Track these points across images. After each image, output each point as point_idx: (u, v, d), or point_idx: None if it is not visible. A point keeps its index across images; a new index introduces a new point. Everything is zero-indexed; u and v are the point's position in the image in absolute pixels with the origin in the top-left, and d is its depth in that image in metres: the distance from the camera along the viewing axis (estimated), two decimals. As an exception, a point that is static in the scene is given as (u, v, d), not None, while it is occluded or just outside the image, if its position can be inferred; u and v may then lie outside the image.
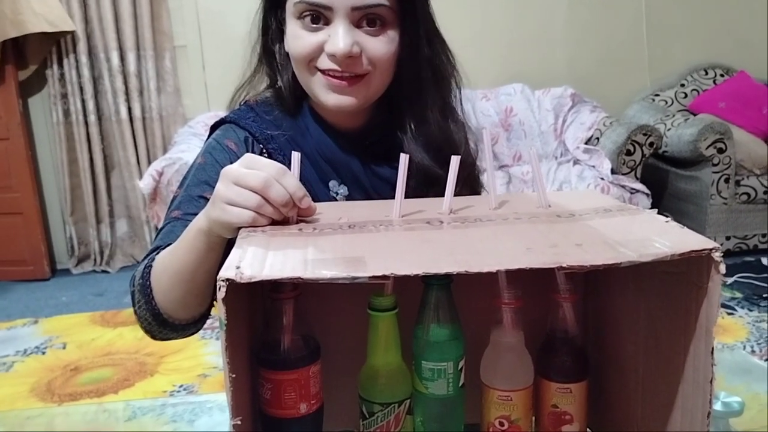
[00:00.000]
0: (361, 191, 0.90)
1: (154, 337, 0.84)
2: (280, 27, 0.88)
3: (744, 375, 0.97)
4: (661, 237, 0.54)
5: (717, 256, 0.50)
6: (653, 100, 3.68)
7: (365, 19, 0.80)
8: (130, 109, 3.37)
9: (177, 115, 3.45)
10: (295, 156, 0.67)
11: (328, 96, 0.83)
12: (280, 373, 0.61)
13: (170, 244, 0.79)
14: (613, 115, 3.37)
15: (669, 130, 3.26)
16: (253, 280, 0.48)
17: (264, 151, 0.89)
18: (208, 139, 0.93)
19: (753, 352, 2.26)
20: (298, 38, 0.82)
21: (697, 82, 3.71)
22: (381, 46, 0.82)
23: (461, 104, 0.94)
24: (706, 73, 3.74)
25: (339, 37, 0.78)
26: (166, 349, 2.47)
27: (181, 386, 2.18)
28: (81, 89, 3.32)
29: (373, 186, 0.90)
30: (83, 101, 3.33)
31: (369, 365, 0.65)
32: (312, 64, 0.82)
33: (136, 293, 0.81)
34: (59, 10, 3.14)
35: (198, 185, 0.86)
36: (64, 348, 2.55)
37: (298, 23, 0.82)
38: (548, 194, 0.69)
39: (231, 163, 0.84)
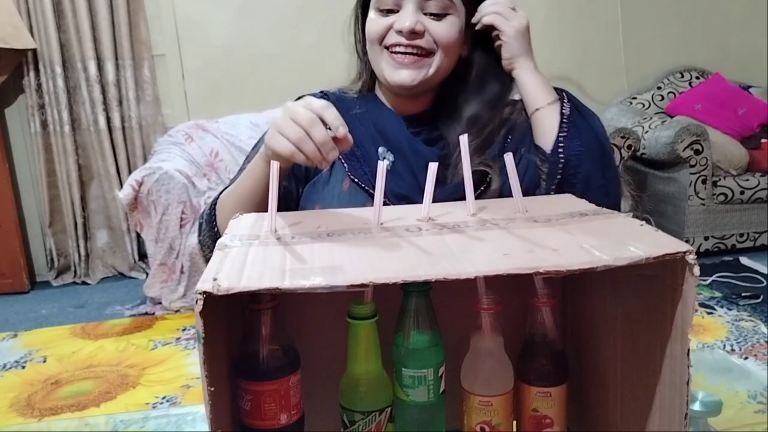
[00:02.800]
0: (405, 163, 0.98)
1: None
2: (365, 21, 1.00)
3: (724, 374, 0.98)
4: (636, 241, 0.54)
5: (691, 258, 0.50)
6: (631, 103, 3.72)
7: (431, 8, 0.93)
8: (108, 119, 3.34)
9: (156, 124, 3.43)
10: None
11: (392, 72, 0.94)
12: (259, 384, 0.60)
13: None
14: (591, 118, 3.40)
15: (647, 132, 3.30)
16: (230, 292, 0.47)
17: None
18: None
19: (732, 350, 2.29)
20: (374, 21, 0.95)
21: (673, 85, 3.76)
22: (443, 28, 0.93)
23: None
24: (682, 76, 3.79)
25: (406, 14, 0.92)
26: (148, 360, 2.45)
27: (164, 398, 2.16)
28: (58, 99, 3.28)
29: (416, 162, 0.97)
30: (60, 111, 3.30)
31: (349, 374, 0.65)
32: (382, 44, 0.95)
33: (203, 224, 0.97)
34: (13, 28, 3.07)
35: None
36: (44, 362, 2.51)
37: (377, 12, 0.95)
38: (525, 199, 0.70)
39: None
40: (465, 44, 0.99)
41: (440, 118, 1.00)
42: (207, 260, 0.86)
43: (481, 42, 1.00)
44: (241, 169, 1.00)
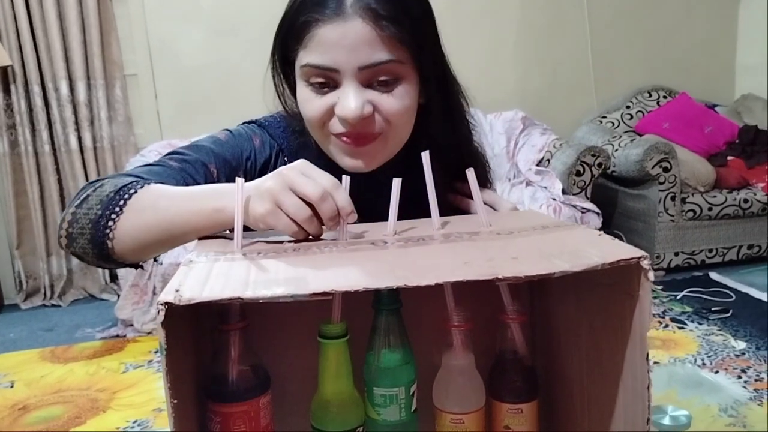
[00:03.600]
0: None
1: (79, 257, 0.75)
2: (292, 85, 0.86)
3: (695, 388, 1.00)
4: (593, 248, 0.55)
5: (645, 264, 0.51)
6: (601, 122, 3.79)
7: (375, 78, 0.77)
8: (80, 139, 3.30)
9: (129, 144, 3.40)
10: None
11: (344, 159, 0.82)
12: (228, 406, 0.60)
13: (161, 183, 0.75)
14: (562, 137, 3.46)
15: (616, 150, 3.35)
16: (192, 302, 0.47)
17: (286, 161, 0.88)
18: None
19: (704, 364, 2.32)
20: (308, 101, 0.80)
21: (641, 104, 3.84)
22: (394, 102, 0.78)
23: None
24: (650, 95, 3.87)
25: (349, 99, 0.76)
26: (119, 384, 2.40)
27: (135, 422, 2.11)
28: (31, 119, 3.24)
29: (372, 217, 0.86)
30: (31, 131, 3.26)
31: (320, 393, 0.65)
32: (326, 129, 0.81)
33: (91, 199, 0.72)
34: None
35: (208, 154, 0.85)
36: (11, 387, 2.45)
37: (308, 87, 0.80)
38: (489, 214, 0.71)
39: (249, 156, 0.86)
40: (421, 95, 0.84)
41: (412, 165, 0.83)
42: (77, 255, 0.74)
43: (436, 82, 0.85)
44: (173, 151, 0.85)
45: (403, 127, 0.82)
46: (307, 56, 0.78)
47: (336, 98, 0.78)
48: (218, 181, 0.84)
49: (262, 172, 0.88)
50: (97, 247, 0.72)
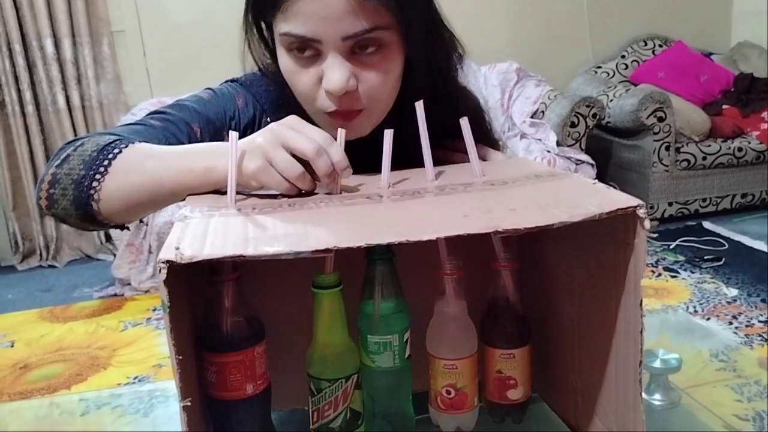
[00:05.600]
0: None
1: (61, 218, 0.74)
2: (269, 44, 0.83)
3: (687, 334, 1.01)
4: (590, 198, 0.55)
5: (641, 212, 0.52)
6: (596, 72, 3.76)
7: (358, 46, 0.74)
8: (68, 98, 3.26)
9: (119, 102, 3.36)
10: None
11: (333, 130, 0.77)
12: (223, 356, 0.60)
13: (145, 142, 0.73)
14: (557, 88, 3.43)
15: (611, 101, 3.33)
16: (194, 260, 0.47)
17: (269, 122, 0.85)
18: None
19: (696, 312, 2.36)
20: (294, 74, 0.77)
21: (636, 54, 3.80)
22: (377, 78, 0.76)
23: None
24: (646, 44, 3.83)
25: (334, 73, 0.73)
26: (119, 341, 2.43)
27: (135, 378, 2.15)
28: (16, 79, 3.19)
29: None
30: (19, 91, 3.21)
31: (315, 343, 0.65)
32: (316, 104, 0.78)
33: (72, 159, 0.70)
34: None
35: (191, 113, 0.83)
36: (12, 346, 2.48)
37: (289, 55, 0.77)
38: (482, 164, 0.70)
39: (233, 116, 0.84)
40: (407, 51, 0.80)
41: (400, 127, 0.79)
42: (59, 218, 0.73)
43: (425, 39, 0.81)
44: (156, 111, 0.82)
45: (387, 98, 0.80)
46: (287, 25, 0.73)
47: (321, 71, 0.75)
48: (202, 141, 0.82)
49: (245, 132, 0.85)
50: (80, 208, 0.71)
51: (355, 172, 0.77)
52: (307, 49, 0.74)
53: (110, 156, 0.70)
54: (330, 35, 0.72)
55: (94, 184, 0.69)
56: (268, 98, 0.88)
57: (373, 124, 0.82)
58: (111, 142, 0.72)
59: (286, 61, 0.78)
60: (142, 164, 0.70)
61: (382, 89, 0.77)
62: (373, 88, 0.76)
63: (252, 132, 0.70)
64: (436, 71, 0.84)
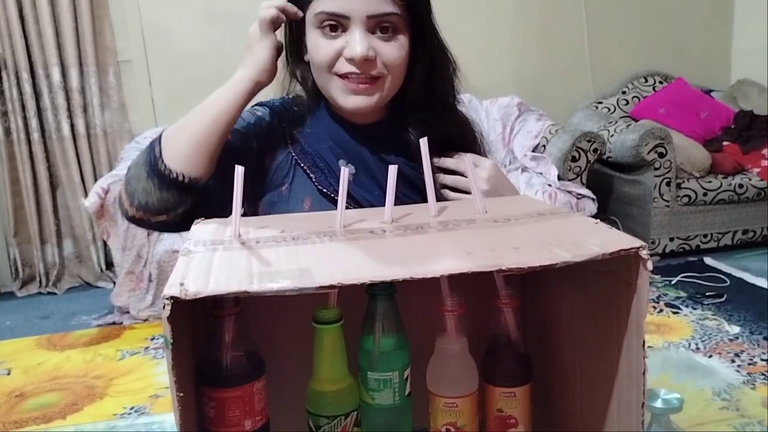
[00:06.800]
0: (367, 173, 0.98)
1: (144, 208, 0.88)
2: (301, 38, 0.96)
3: (689, 372, 1.00)
4: (592, 237, 0.55)
5: (644, 253, 0.52)
6: (596, 107, 3.79)
7: (378, 27, 0.89)
8: (73, 126, 3.29)
9: (123, 131, 3.38)
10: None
11: (346, 99, 0.92)
12: (223, 391, 0.60)
13: None
14: (558, 122, 3.45)
15: (612, 136, 3.35)
16: (198, 296, 0.47)
17: (286, 129, 1.00)
18: None
19: (698, 349, 2.34)
20: (318, 46, 0.91)
21: (637, 89, 3.83)
22: (393, 50, 0.91)
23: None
24: (646, 81, 3.87)
25: (356, 42, 0.88)
26: (116, 371, 2.41)
27: (132, 408, 2.12)
28: (23, 106, 3.22)
29: (380, 170, 0.97)
30: (25, 119, 3.24)
31: (315, 378, 0.65)
32: (332, 70, 0.91)
33: (131, 166, 0.88)
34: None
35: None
36: (8, 374, 2.46)
37: (318, 32, 0.91)
38: (484, 200, 0.71)
39: (254, 121, 1.00)
40: (412, 56, 0.95)
41: (401, 122, 0.98)
42: (139, 208, 0.88)
43: (425, 52, 0.96)
44: None
45: (398, 74, 0.93)
46: (321, 5, 0.89)
47: (344, 42, 0.89)
48: (230, 143, 0.93)
49: (270, 134, 0.99)
50: (155, 173, 0.85)
51: (367, 167, 0.98)
52: (336, 25, 0.89)
53: (158, 139, 0.88)
54: (357, 12, 0.88)
55: (157, 153, 0.86)
56: (286, 112, 1.01)
57: (382, 99, 0.93)
58: (152, 139, 0.89)
59: (313, 38, 0.92)
60: (183, 122, 0.89)
61: (395, 62, 0.91)
62: (388, 60, 0.90)
63: (273, 139, 0.98)
64: (435, 72, 0.97)
